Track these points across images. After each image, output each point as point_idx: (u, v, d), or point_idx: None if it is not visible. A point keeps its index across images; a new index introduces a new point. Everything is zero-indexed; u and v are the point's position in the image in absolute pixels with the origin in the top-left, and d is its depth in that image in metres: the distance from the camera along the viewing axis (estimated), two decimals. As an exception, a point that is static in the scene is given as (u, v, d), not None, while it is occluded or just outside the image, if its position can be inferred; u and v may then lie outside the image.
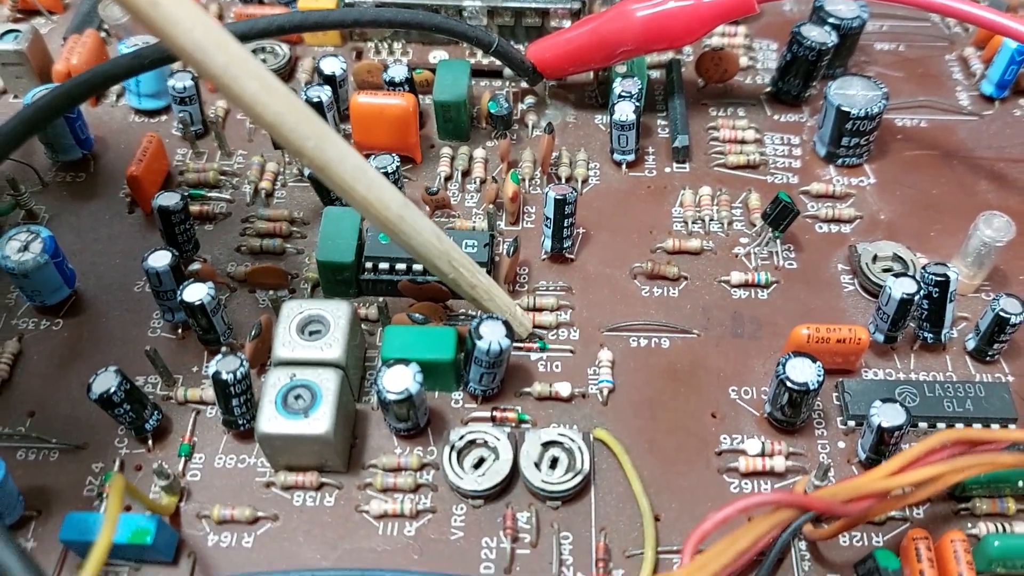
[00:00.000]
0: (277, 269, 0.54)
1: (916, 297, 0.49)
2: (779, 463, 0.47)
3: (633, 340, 0.53)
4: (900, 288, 0.49)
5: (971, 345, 0.52)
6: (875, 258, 0.55)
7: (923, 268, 0.50)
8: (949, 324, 0.51)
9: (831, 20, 0.64)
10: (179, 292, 0.49)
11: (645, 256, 0.56)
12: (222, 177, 0.60)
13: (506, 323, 0.48)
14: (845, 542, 0.45)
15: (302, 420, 0.44)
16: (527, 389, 0.50)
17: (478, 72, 0.67)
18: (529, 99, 0.66)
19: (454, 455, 0.47)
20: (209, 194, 0.59)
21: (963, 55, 0.70)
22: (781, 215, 0.55)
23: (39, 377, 0.51)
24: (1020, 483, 0.45)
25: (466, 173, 0.61)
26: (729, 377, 0.51)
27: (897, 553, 0.42)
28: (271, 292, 0.54)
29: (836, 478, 0.47)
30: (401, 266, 0.53)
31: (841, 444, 0.49)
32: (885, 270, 0.55)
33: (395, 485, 0.46)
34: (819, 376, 0.46)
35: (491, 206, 0.57)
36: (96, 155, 0.62)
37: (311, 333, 0.48)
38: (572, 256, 0.56)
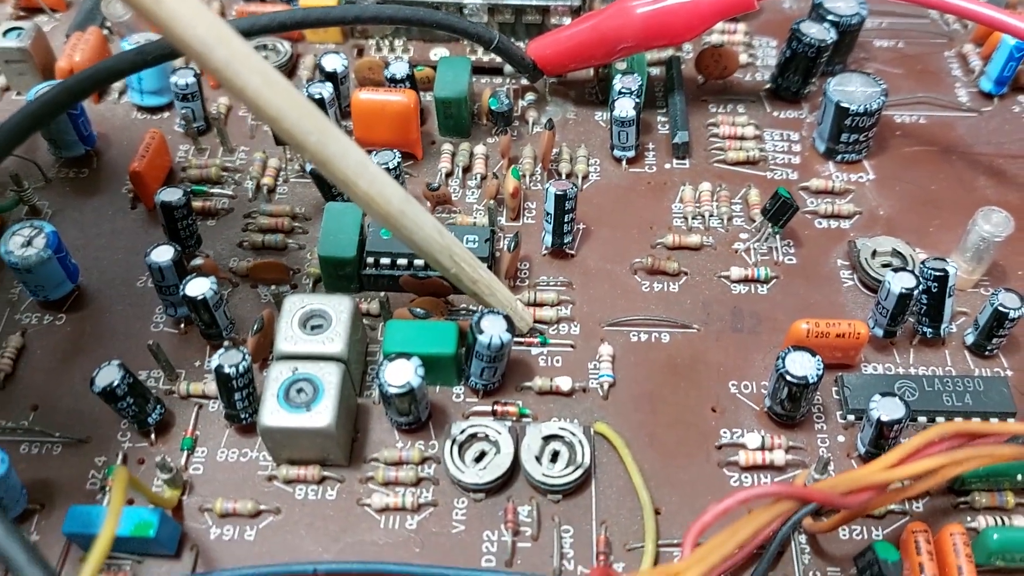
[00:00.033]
0: (279, 264, 0.55)
1: (915, 292, 0.49)
2: (779, 457, 0.47)
3: (633, 335, 0.53)
4: (899, 283, 0.49)
5: (970, 340, 0.52)
6: (874, 253, 0.55)
7: (922, 263, 0.50)
8: (948, 319, 0.51)
9: (830, 17, 0.64)
10: (182, 287, 0.49)
11: (645, 251, 0.56)
12: (224, 173, 0.61)
13: (507, 318, 0.48)
14: (845, 535, 0.46)
15: (304, 414, 0.44)
16: (528, 383, 0.50)
17: (479, 69, 0.67)
18: (530, 96, 0.66)
19: (455, 449, 0.47)
20: (211, 190, 0.60)
21: (962, 52, 0.70)
22: (780, 211, 0.55)
23: (42, 371, 0.51)
24: (1019, 477, 0.46)
25: (467, 169, 0.61)
26: (729, 371, 0.51)
27: (897, 546, 0.43)
28: (273, 287, 0.54)
29: (836, 472, 0.47)
30: (402, 261, 0.53)
31: (841, 438, 0.49)
32: (884, 265, 0.55)
33: (397, 479, 0.47)
34: (818, 370, 0.46)
35: (492, 202, 0.57)
36: (99, 151, 0.62)
37: (313, 327, 0.48)
38: (572, 252, 0.57)
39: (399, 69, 0.62)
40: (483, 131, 0.64)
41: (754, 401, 0.50)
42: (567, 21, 0.66)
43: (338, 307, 0.48)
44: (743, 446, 0.48)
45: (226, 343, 0.49)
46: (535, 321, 0.53)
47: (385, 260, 0.53)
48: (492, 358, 0.48)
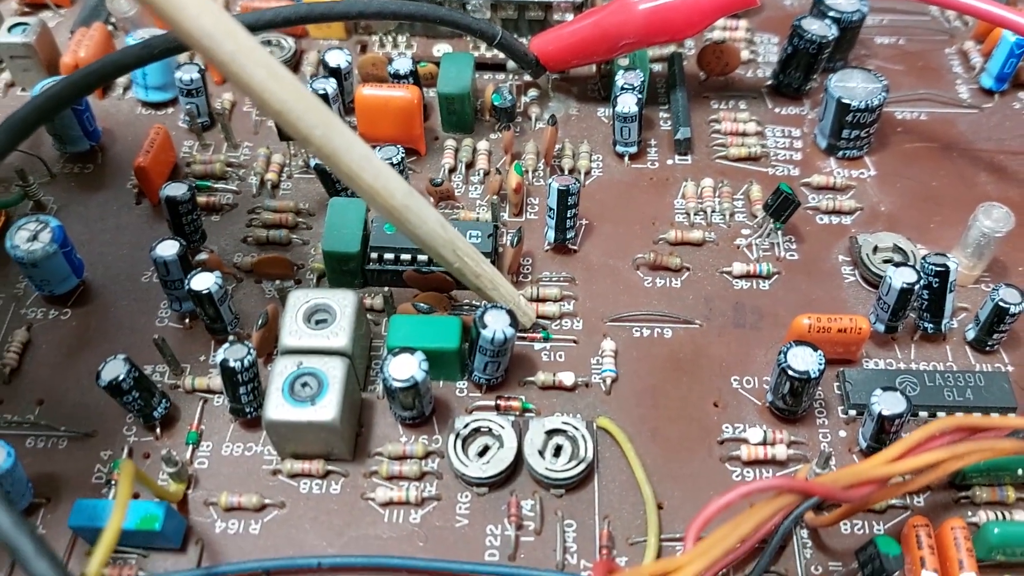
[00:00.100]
0: (283, 259, 0.55)
1: (916, 287, 0.49)
2: (781, 451, 0.48)
3: (636, 330, 0.53)
4: (900, 278, 0.49)
5: (971, 335, 0.52)
6: (875, 249, 0.55)
7: (923, 259, 0.51)
8: (949, 314, 0.52)
9: (831, 14, 0.64)
10: (187, 281, 0.49)
11: (647, 247, 0.57)
12: (228, 168, 0.61)
13: (510, 312, 0.48)
14: (846, 529, 0.46)
15: (309, 408, 0.45)
16: (531, 378, 0.51)
17: (482, 65, 0.67)
18: (532, 92, 0.66)
19: (459, 443, 0.47)
20: (216, 185, 0.60)
21: (963, 48, 0.70)
22: (782, 206, 0.55)
23: (48, 366, 0.52)
24: (1020, 471, 0.46)
25: (470, 165, 0.62)
26: (731, 366, 0.52)
27: (898, 540, 0.43)
28: (277, 282, 0.55)
29: (837, 466, 0.47)
30: (406, 256, 0.53)
31: (842, 433, 0.49)
32: (885, 261, 0.55)
33: (400, 473, 0.47)
34: (820, 365, 0.46)
35: (495, 197, 0.57)
36: (103, 147, 0.62)
37: (317, 322, 0.48)
38: (575, 247, 0.57)
39: (402, 65, 0.62)
40: (486, 127, 0.64)
41: (756, 396, 0.50)
42: (569, 17, 0.66)
43: (342, 302, 0.48)
44: (745, 441, 0.48)
45: (231, 338, 0.49)
46: (538, 316, 0.53)
47: (389, 255, 0.53)
48: (495, 353, 0.48)
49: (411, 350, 0.47)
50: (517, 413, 0.49)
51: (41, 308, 0.54)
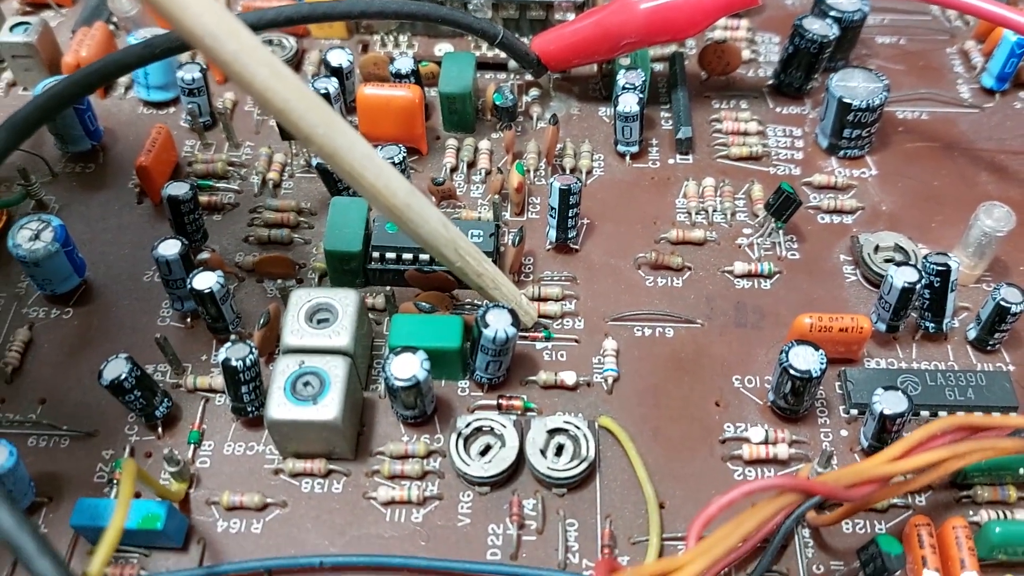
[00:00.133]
0: (285, 259, 0.55)
1: (917, 287, 0.49)
2: (782, 451, 0.48)
3: (637, 329, 0.53)
4: (902, 277, 0.49)
5: (972, 334, 0.52)
6: (877, 248, 0.55)
7: (924, 258, 0.51)
8: (950, 314, 0.52)
9: (833, 13, 0.64)
10: (188, 280, 0.49)
11: (649, 246, 0.57)
12: (230, 168, 0.61)
13: (512, 311, 0.48)
14: (848, 529, 0.46)
15: (311, 407, 0.45)
16: (533, 378, 0.51)
17: (483, 64, 0.67)
18: (534, 91, 0.66)
19: (461, 442, 0.47)
20: (217, 185, 0.60)
21: (964, 48, 0.71)
22: (783, 205, 0.55)
23: (50, 365, 0.52)
24: (1021, 470, 0.46)
25: (471, 164, 0.62)
26: (732, 366, 0.52)
27: (899, 539, 0.43)
28: (279, 281, 0.55)
29: (839, 466, 0.47)
30: (408, 256, 0.53)
31: (844, 432, 0.49)
32: (887, 260, 0.55)
33: (402, 472, 0.47)
34: (822, 364, 0.46)
35: (496, 197, 0.57)
36: (105, 146, 0.63)
37: (319, 321, 0.48)
38: (577, 246, 0.57)
39: (404, 64, 0.62)
40: (487, 126, 0.64)
41: (757, 395, 0.50)
42: (571, 17, 0.66)
43: (344, 301, 0.48)
44: (747, 440, 0.48)
45: (232, 337, 0.49)
46: (540, 316, 0.53)
47: (391, 254, 0.53)
48: (497, 352, 0.48)
49: (413, 349, 0.47)
50: (519, 412, 0.49)
51: (43, 307, 0.54)
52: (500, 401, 0.50)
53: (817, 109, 0.65)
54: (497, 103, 0.61)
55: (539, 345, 0.52)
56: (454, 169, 0.61)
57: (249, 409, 0.48)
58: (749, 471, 0.48)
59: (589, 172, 0.61)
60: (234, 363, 0.46)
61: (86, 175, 0.61)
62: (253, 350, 0.46)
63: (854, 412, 0.49)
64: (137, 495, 0.46)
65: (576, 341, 0.52)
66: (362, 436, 0.49)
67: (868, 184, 0.61)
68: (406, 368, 0.46)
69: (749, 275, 0.55)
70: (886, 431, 0.46)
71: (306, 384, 0.46)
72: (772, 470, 0.48)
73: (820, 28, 0.63)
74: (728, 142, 0.63)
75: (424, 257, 0.53)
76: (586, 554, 0.45)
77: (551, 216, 0.55)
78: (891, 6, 0.74)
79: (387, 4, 0.57)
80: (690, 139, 0.62)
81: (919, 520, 0.43)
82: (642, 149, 0.62)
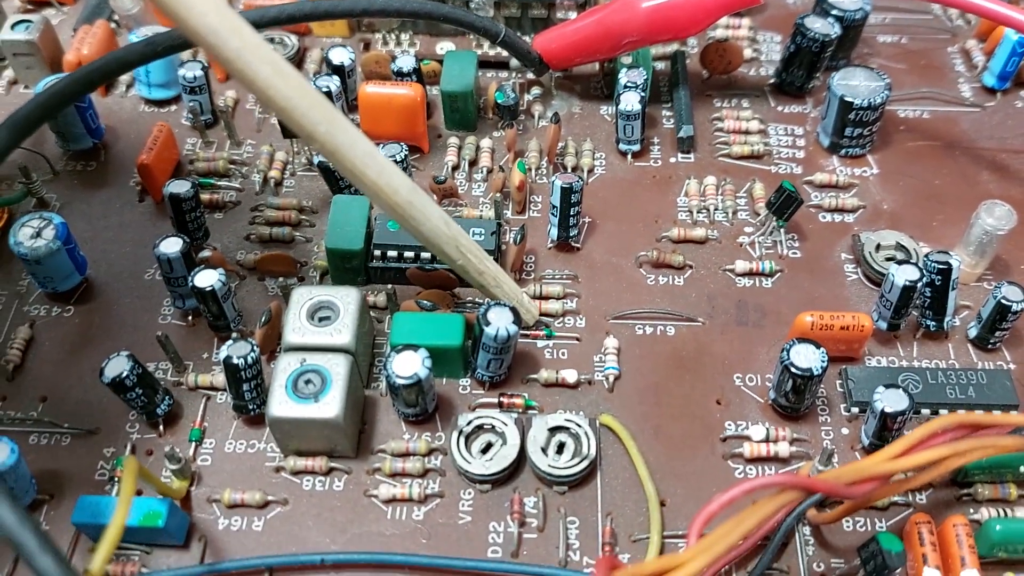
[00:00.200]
0: (286, 257, 0.55)
1: (919, 285, 0.49)
2: (783, 449, 0.48)
3: (639, 328, 0.53)
4: (903, 275, 0.49)
5: (973, 333, 0.52)
6: (878, 247, 0.55)
7: (926, 256, 0.51)
8: (951, 312, 0.52)
9: (834, 12, 0.64)
10: (190, 278, 0.49)
11: (650, 245, 0.57)
12: (231, 166, 0.61)
13: (513, 309, 0.48)
14: (848, 526, 0.46)
15: (312, 404, 0.45)
16: (534, 376, 0.51)
17: (485, 63, 0.68)
18: (535, 89, 0.66)
19: (462, 440, 0.47)
20: (219, 183, 0.60)
21: (965, 47, 0.70)
22: (785, 204, 0.55)
23: (51, 363, 0.52)
24: (1022, 468, 0.46)
25: (473, 163, 0.62)
26: (734, 364, 0.52)
27: (900, 537, 0.43)
28: (280, 279, 0.55)
29: (840, 463, 0.47)
30: (409, 254, 0.53)
31: (845, 430, 0.49)
32: (888, 259, 0.55)
33: (403, 470, 0.47)
34: (823, 362, 0.46)
35: (498, 195, 0.57)
36: (107, 144, 0.63)
37: (321, 319, 0.48)
38: (578, 245, 0.57)
39: (405, 63, 0.62)
40: (489, 125, 0.64)
41: (758, 393, 0.50)
42: (573, 15, 0.66)
43: (345, 299, 0.48)
44: (748, 438, 0.48)
45: (234, 335, 0.49)
46: (541, 314, 0.53)
47: (392, 253, 0.53)
48: (498, 350, 0.48)
49: (414, 347, 0.47)
50: (520, 410, 0.49)
51: (44, 305, 0.54)
52: (501, 399, 0.50)
53: (818, 108, 0.65)
54: (499, 101, 0.62)
55: (540, 343, 0.52)
56: (456, 167, 0.61)
57: (250, 407, 0.48)
58: (750, 469, 0.48)
59: (591, 170, 0.61)
60: (235, 361, 0.46)
61: (87, 173, 0.61)
62: (254, 348, 0.46)
63: (855, 410, 0.49)
64: (138, 493, 0.46)
65: (577, 339, 0.53)
66: (363, 434, 0.49)
67: (869, 183, 0.61)
68: (407, 366, 0.46)
69: (750, 273, 0.55)
70: (887, 429, 0.46)
71: (307, 382, 0.46)
72: (773, 468, 0.48)
73: (822, 27, 0.63)
74: (730, 141, 0.63)
75: (426, 255, 0.53)
76: (587, 552, 0.45)
77: (552, 214, 0.55)
78: (893, 5, 0.74)
79: (389, 2, 0.57)
80: (692, 138, 0.62)
81: (920, 518, 0.43)
82: (644, 148, 0.62)
